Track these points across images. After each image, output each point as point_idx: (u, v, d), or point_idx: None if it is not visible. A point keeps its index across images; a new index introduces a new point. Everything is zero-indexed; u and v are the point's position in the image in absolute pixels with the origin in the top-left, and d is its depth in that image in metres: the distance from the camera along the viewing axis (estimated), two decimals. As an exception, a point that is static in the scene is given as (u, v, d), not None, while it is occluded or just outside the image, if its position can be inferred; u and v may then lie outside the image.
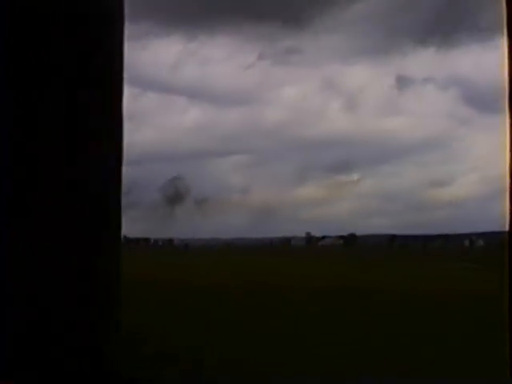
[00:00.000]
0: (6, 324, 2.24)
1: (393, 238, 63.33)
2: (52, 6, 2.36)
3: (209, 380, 3.42)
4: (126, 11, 2.52)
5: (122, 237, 2.71)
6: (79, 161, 2.33)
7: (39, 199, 2.32)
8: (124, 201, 2.62)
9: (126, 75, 2.62)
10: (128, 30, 2.59)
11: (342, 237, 73.36)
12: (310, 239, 70.60)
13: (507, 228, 2.43)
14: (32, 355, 2.26)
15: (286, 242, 69.18)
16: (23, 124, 2.33)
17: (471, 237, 50.00)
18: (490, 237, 50.84)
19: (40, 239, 2.26)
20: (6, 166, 2.32)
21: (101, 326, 2.41)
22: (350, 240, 69.18)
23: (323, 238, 73.64)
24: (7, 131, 2.33)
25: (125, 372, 2.55)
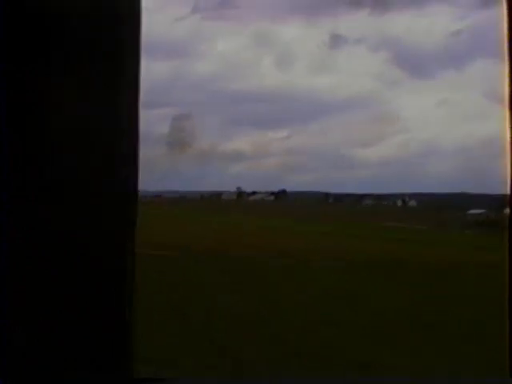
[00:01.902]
0: (5, 323, 2.40)
1: (326, 195, 64.22)
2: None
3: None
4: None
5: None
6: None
7: (39, 199, 2.42)
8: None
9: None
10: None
11: (272, 193, 74.13)
12: (240, 194, 71.14)
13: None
14: (32, 355, 2.41)
15: (217, 196, 69.46)
16: (23, 124, 2.42)
17: (404, 197, 51.27)
18: (420, 198, 52.39)
19: (41, 238, 2.40)
20: (5, 167, 2.39)
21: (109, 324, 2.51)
22: (281, 196, 69.99)
23: (253, 193, 74.27)
24: (6, 131, 2.41)
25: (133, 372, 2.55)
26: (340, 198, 68.05)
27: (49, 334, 2.31)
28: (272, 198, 76.08)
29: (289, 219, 41.42)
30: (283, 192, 76.20)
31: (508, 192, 2.53)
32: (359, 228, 36.97)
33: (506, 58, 2.36)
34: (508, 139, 2.43)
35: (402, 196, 57.62)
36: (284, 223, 37.82)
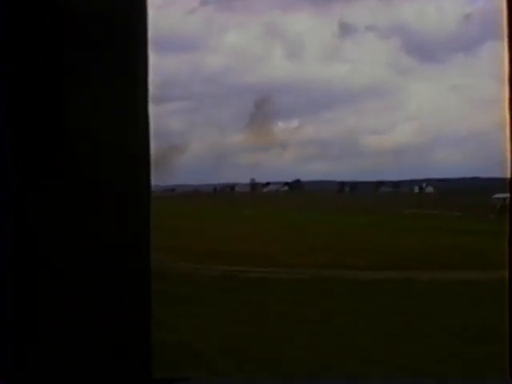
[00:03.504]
0: (5, 323, 2.21)
1: (342, 184, 64.10)
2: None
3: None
4: None
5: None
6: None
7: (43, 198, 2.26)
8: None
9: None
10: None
11: (286, 183, 74.04)
12: (254, 186, 71.07)
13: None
14: (32, 355, 2.23)
15: (230, 188, 69.42)
16: (23, 124, 2.26)
17: (420, 183, 51.03)
18: (434, 184, 52.11)
19: (42, 238, 2.24)
20: (5, 167, 2.24)
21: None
22: (296, 186, 69.90)
23: (267, 184, 74.27)
24: (6, 131, 2.26)
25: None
26: (355, 187, 67.88)
27: (68, 336, 2.29)
28: (286, 188, 76.04)
29: (318, 211, 39.69)
30: (297, 182, 76.17)
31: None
32: (398, 218, 35.08)
33: (506, 48, 2.35)
34: (508, 131, 2.43)
35: (417, 182, 57.35)
36: (317, 216, 35.72)
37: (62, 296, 2.25)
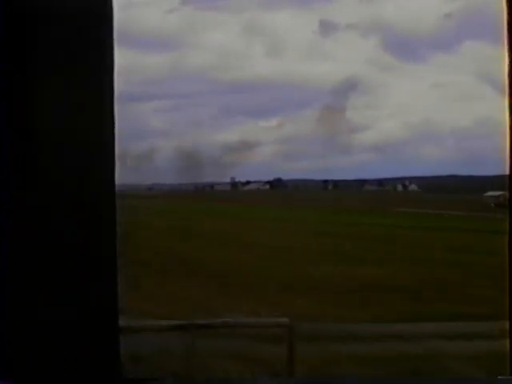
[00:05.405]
0: (5, 323, 2.41)
1: (325, 182, 64.02)
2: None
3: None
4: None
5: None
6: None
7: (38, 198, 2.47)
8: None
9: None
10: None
11: (268, 182, 73.69)
12: (234, 184, 70.78)
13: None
14: (32, 355, 2.44)
15: (210, 187, 69.04)
16: (23, 124, 2.48)
17: (404, 181, 51.23)
18: (419, 182, 52.28)
19: (42, 238, 2.49)
20: (5, 167, 2.45)
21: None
22: (277, 184, 69.76)
23: (248, 182, 73.88)
24: (6, 131, 2.48)
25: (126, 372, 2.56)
26: (338, 185, 67.90)
27: (43, 336, 2.32)
28: (267, 187, 75.52)
29: (321, 211, 38.63)
30: (279, 181, 75.71)
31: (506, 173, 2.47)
32: (412, 218, 34.45)
33: (506, 47, 2.42)
34: (507, 128, 2.47)
35: (399, 180, 57.85)
36: (321, 216, 34.41)
37: (61, 296, 2.31)
